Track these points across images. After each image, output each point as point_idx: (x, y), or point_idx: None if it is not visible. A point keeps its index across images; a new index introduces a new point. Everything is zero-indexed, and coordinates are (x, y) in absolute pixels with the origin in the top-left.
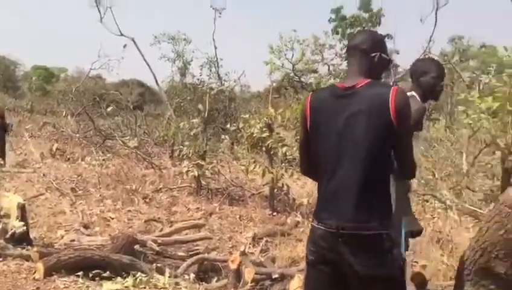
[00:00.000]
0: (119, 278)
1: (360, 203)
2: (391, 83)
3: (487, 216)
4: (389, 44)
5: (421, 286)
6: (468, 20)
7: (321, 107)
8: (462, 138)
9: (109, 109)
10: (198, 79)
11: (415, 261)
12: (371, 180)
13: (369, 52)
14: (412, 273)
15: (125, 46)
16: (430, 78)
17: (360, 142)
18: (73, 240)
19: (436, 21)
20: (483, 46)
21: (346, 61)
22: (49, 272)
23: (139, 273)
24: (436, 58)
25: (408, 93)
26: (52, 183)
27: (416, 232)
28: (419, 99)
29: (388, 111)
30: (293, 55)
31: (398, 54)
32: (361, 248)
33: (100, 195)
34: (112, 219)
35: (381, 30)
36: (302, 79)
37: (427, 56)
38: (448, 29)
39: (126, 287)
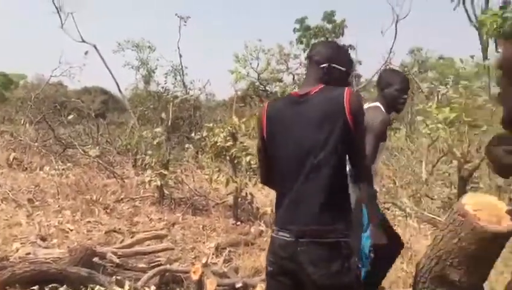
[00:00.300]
0: None
1: (318, 211)
2: None
3: (442, 225)
4: (352, 54)
5: None
6: (427, 32)
7: (277, 116)
8: (422, 147)
9: (70, 117)
10: (162, 87)
11: None
12: (329, 187)
13: (321, 62)
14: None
15: (86, 52)
16: (394, 90)
17: (317, 148)
18: (29, 253)
19: (396, 33)
20: (441, 58)
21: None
22: (2, 287)
23: (97, 287)
24: (397, 68)
25: (373, 104)
26: (8, 193)
27: (380, 246)
28: (383, 110)
29: (343, 111)
30: (258, 64)
31: (360, 64)
32: (320, 257)
33: (59, 206)
34: (71, 230)
35: (344, 41)
36: (267, 88)
37: (388, 67)
38: (408, 41)
39: None
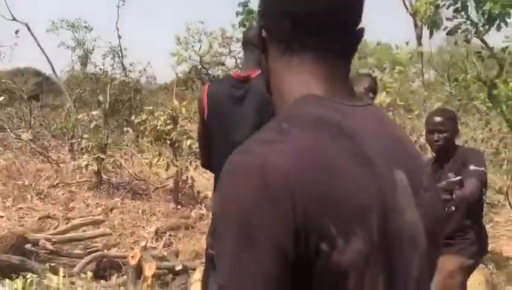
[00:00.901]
0: (7, 280)
1: None
2: None
3: None
4: None
5: None
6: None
7: (217, 98)
8: None
9: (0, 99)
10: (100, 69)
11: None
12: None
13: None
14: None
15: (17, 31)
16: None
17: (254, 132)
18: None
19: None
20: (379, 44)
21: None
22: None
23: (30, 274)
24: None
25: None
26: None
27: None
28: None
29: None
30: (200, 47)
31: None
32: None
33: None
34: (1, 217)
35: None
36: (210, 71)
37: None
38: None
39: (15, 289)
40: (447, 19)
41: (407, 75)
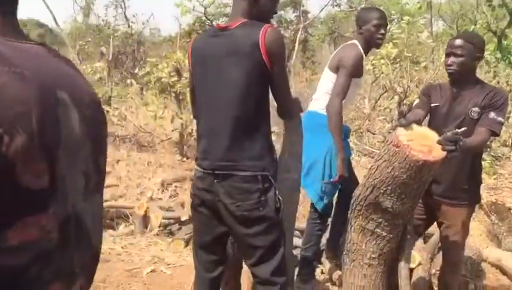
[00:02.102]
0: None
1: (232, 144)
2: (300, 29)
3: (377, 155)
4: None
5: None
6: None
7: (199, 49)
8: (365, 83)
9: None
10: (103, 20)
11: None
12: (244, 121)
13: None
14: None
15: None
16: (371, 26)
17: (232, 83)
18: None
19: None
20: None
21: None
22: None
23: None
24: (343, 5)
25: (349, 42)
26: None
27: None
28: (360, 48)
29: (258, 51)
30: None
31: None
32: (236, 189)
33: None
34: None
35: None
36: (214, 23)
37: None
38: None
39: None
40: None
41: (415, 26)
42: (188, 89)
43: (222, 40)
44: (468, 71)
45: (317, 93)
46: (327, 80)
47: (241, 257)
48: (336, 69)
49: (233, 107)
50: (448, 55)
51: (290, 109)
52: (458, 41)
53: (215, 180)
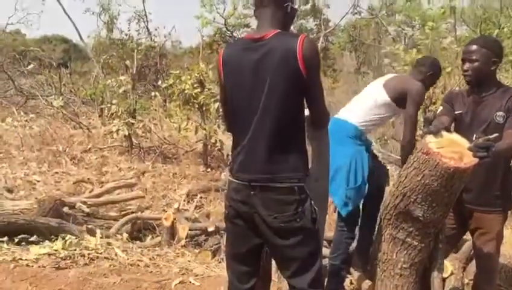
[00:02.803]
0: (47, 242)
1: (269, 156)
2: (322, 37)
3: (407, 163)
4: None
5: None
6: None
7: (232, 60)
8: None
9: (30, 67)
10: (126, 34)
11: None
12: (281, 132)
13: (282, 2)
14: None
15: None
16: (430, 75)
17: (270, 94)
18: None
19: None
20: (408, 1)
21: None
22: None
23: (68, 236)
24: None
25: (411, 77)
26: None
27: None
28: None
29: (296, 61)
30: (224, 9)
31: (328, 8)
32: (273, 201)
33: (24, 158)
34: (38, 181)
35: None
36: (234, 34)
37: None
38: None
39: (55, 250)
40: None
41: (438, 32)
42: (219, 101)
43: (258, 50)
44: (486, 76)
45: (353, 105)
46: (371, 99)
47: (270, 268)
48: (396, 99)
49: (270, 118)
50: (463, 61)
51: (323, 119)
52: (472, 47)
53: (252, 192)
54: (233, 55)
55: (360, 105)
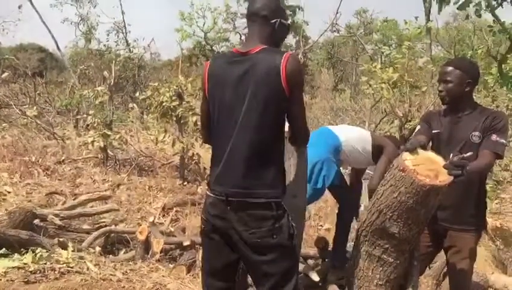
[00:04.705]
0: (16, 255)
1: (247, 171)
2: (300, 54)
3: (383, 180)
4: (299, 16)
5: (323, 248)
6: None
7: (216, 73)
8: (365, 107)
9: (4, 75)
10: (104, 45)
11: (320, 225)
12: (260, 148)
13: (270, 18)
14: (316, 237)
15: (20, 6)
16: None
17: (250, 110)
18: None
19: None
20: (385, 21)
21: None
22: None
23: (39, 249)
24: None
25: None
26: None
27: None
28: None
29: (279, 77)
30: (204, 23)
31: (307, 25)
32: (250, 216)
33: None
34: (9, 193)
35: (291, 1)
36: (214, 48)
37: (334, 28)
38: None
39: (25, 263)
40: None
41: (414, 51)
42: (200, 111)
43: (242, 65)
44: (460, 97)
45: (349, 128)
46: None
47: (246, 284)
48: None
49: (250, 133)
50: (439, 81)
51: (304, 137)
52: (447, 68)
53: (229, 207)
54: (218, 67)
55: (356, 131)
